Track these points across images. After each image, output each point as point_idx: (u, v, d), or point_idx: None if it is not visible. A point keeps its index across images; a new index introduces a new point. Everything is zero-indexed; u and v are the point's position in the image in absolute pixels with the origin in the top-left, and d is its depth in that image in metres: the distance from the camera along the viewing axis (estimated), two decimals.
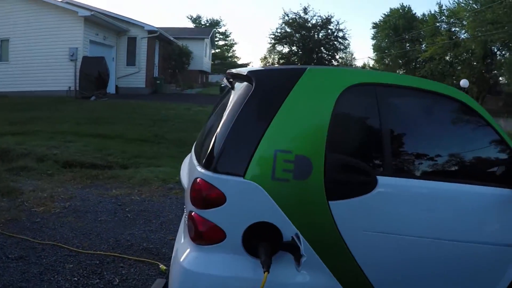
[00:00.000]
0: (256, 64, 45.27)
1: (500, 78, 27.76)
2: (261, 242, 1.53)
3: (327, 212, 1.59)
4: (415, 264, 1.76)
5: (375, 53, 39.58)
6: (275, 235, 1.55)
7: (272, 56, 34.87)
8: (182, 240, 1.81)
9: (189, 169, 1.99)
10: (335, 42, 33.04)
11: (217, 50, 45.24)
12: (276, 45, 33.87)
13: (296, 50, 33.83)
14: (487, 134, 1.97)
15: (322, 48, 33.17)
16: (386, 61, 38.40)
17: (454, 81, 26.57)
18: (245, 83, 1.76)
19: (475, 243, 1.83)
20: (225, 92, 2.22)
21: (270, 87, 1.69)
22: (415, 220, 1.73)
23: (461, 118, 2.07)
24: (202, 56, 28.15)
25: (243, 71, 1.84)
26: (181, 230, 1.99)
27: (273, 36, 32.88)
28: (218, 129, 1.67)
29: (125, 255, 2.95)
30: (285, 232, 1.55)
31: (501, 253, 1.88)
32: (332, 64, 33.89)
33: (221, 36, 49.86)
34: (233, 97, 1.81)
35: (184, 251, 1.65)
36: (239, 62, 45.58)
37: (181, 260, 1.62)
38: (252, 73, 1.76)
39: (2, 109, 10.46)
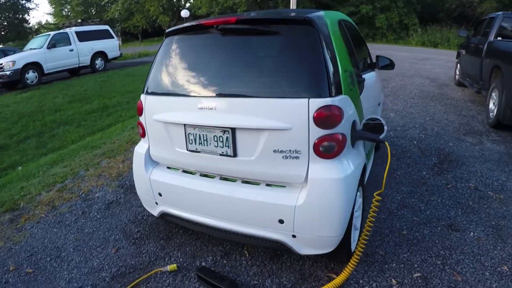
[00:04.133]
0: None
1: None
2: (359, 133, 2.10)
3: (360, 102, 2.31)
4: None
5: (52, 6, 35.51)
6: (353, 127, 2.07)
7: None
8: (308, 170, 1.88)
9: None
10: (24, 1, 28.04)
11: None
12: None
13: None
14: (364, 41, 3.33)
15: (7, 13, 27.56)
16: (64, 12, 35.56)
17: (153, 16, 28.82)
18: (299, 26, 1.97)
19: (377, 105, 3.41)
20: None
21: (323, 26, 2.00)
22: (370, 97, 2.84)
23: (359, 35, 3.19)
24: None
25: (296, 16, 2.05)
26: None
27: None
28: (307, 66, 1.90)
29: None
30: (357, 122, 2.14)
31: (375, 108, 3.45)
32: (27, 27, 29.10)
33: None
34: (292, 39, 1.98)
35: (329, 170, 1.86)
36: None
37: (335, 176, 1.85)
38: (310, 18, 1.96)
39: None
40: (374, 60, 3.41)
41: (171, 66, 2.35)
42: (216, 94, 2.06)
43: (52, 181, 4.18)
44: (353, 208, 2.03)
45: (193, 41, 2.28)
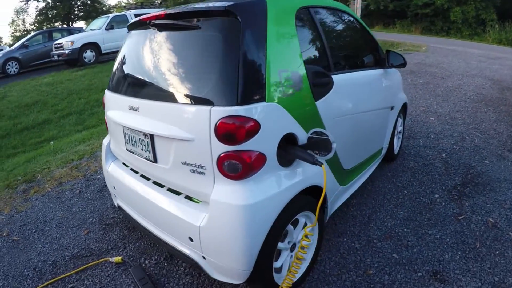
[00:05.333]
0: (4, 30, 36.52)
1: None
2: (291, 151, 1.71)
3: (316, 109, 1.91)
4: (357, 129, 2.42)
5: None
6: (293, 141, 1.75)
7: (21, 16, 29.56)
8: (208, 189, 1.65)
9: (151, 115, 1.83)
10: None
11: None
12: (30, 2, 28.34)
13: (52, 2, 29.39)
14: (365, 33, 2.84)
15: None
16: None
17: None
18: (222, 18, 1.66)
19: (388, 108, 2.94)
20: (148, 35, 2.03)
21: (253, 17, 1.65)
22: (354, 101, 2.32)
23: (353, 25, 2.73)
24: None
25: (215, 7, 1.66)
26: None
27: None
28: (215, 67, 1.60)
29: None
30: (299, 136, 1.76)
31: (385, 113, 3.02)
32: (98, 7, 31.25)
33: None
34: (211, 34, 1.70)
35: (233, 193, 1.58)
36: None
37: (238, 202, 1.55)
38: (234, 7, 1.62)
39: None
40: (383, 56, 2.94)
41: (121, 62, 2.29)
42: (140, 96, 1.94)
43: (71, 158, 4.45)
44: (276, 239, 1.74)
45: (140, 37, 2.14)
